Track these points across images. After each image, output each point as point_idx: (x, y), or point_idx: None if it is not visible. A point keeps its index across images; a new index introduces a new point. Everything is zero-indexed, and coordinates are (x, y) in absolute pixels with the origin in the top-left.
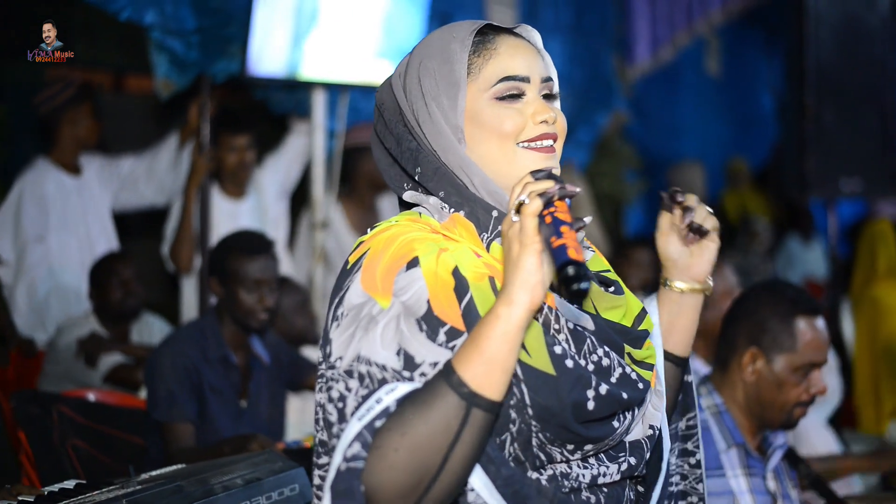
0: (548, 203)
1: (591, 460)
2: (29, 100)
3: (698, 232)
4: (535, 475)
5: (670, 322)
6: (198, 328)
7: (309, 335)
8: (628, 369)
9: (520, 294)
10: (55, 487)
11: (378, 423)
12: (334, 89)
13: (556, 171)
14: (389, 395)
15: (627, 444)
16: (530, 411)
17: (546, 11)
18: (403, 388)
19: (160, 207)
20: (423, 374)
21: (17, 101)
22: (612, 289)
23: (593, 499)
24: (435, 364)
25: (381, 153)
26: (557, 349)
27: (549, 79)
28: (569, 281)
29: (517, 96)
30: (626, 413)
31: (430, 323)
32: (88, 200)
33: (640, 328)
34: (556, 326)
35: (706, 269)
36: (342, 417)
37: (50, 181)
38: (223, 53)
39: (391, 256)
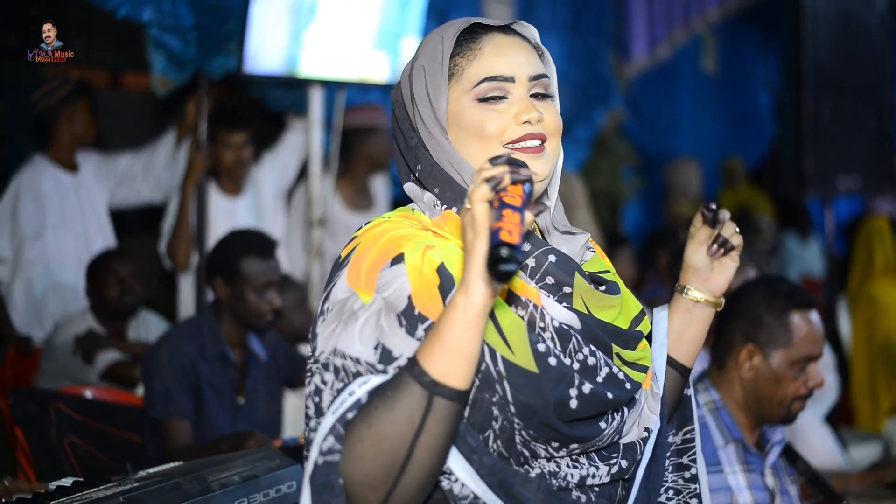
0: (498, 188)
1: (582, 460)
2: (26, 97)
3: (723, 246)
4: (521, 471)
5: (681, 331)
6: (195, 325)
7: (307, 332)
8: (615, 369)
9: (475, 282)
10: (53, 485)
11: (350, 416)
12: (331, 86)
13: (545, 171)
14: (362, 388)
15: (622, 446)
16: (512, 408)
17: (543, 9)
18: (376, 381)
19: (157, 205)
20: (398, 368)
21: (15, 99)
22: (602, 287)
23: (584, 497)
24: None
25: (395, 147)
26: (541, 347)
27: (540, 76)
28: (493, 262)
29: (500, 98)
30: (615, 413)
31: (409, 318)
32: (85, 198)
33: (636, 330)
34: (542, 324)
35: (723, 285)
36: (319, 411)
37: (47, 178)
38: (220, 51)
39: (377, 252)
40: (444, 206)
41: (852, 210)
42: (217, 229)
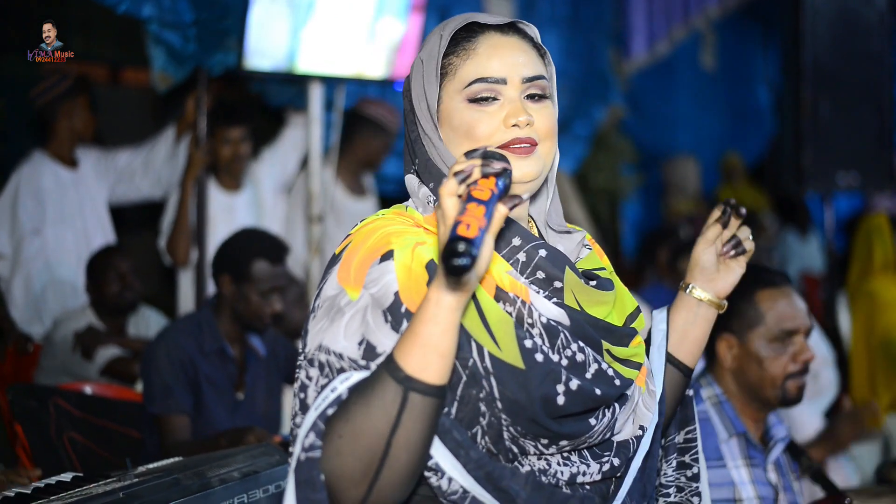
0: (468, 182)
1: (574, 458)
2: (25, 93)
3: (736, 247)
4: (509, 466)
5: (684, 331)
6: (194, 321)
7: None
8: (605, 365)
9: (447, 276)
10: (52, 480)
11: (330, 412)
12: (331, 82)
13: (533, 172)
14: (343, 384)
15: (615, 444)
16: (499, 405)
17: (543, 5)
18: (357, 377)
19: (157, 201)
20: None
21: (14, 95)
22: (593, 283)
23: (573, 493)
24: None
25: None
26: (528, 343)
27: (535, 78)
28: (446, 256)
29: (491, 99)
30: (606, 410)
31: (395, 314)
32: (85, 194)
33: (630, 326)
34: (530, 321)
35: (727, 288)
36: (304, 407)
37: (46, 174)
38: (220, 46)
39: (367, 249)
40: (437, 202)
41: (852, 206)
42: (217, 225)
